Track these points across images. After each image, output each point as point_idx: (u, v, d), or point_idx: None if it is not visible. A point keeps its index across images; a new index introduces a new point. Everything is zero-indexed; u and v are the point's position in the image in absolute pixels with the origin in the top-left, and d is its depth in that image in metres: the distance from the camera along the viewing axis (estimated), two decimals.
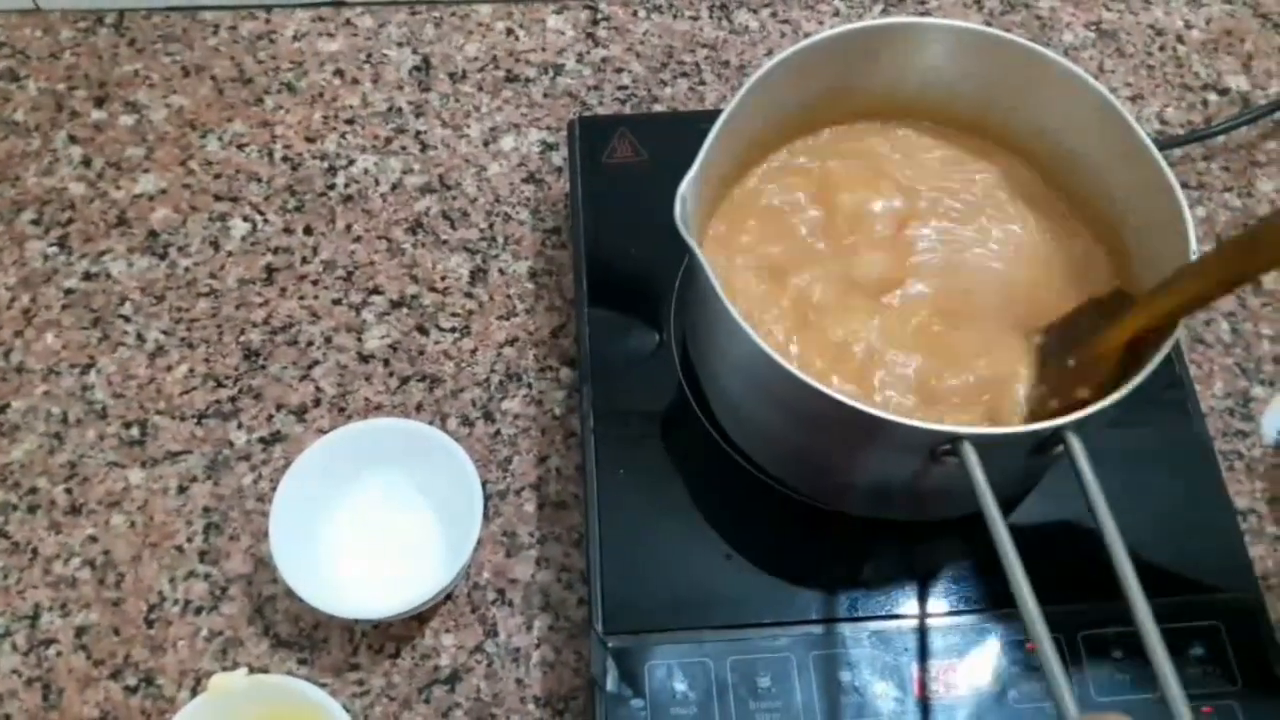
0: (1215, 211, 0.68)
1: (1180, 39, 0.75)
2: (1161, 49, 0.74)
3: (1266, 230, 0.42)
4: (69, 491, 0.58)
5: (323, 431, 0.58)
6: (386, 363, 0.62)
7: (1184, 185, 0.48)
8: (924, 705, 0.48)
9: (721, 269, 0.51)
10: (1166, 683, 0.37)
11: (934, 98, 0.55)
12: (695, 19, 0.75)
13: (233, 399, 0.60)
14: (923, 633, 0.49)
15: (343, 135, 0.69)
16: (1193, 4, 0.76)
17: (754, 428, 0.52)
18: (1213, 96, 0.73)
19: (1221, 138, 0.70)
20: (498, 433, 0.60)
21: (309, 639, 0.54)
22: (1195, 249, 0.45)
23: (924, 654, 0.49)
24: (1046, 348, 0.49)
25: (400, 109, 0.71)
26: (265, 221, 0.66)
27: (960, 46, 0.53)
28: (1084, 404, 0.42)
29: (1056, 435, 0.41)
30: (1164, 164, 0.47)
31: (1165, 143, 0.68)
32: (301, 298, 0.64)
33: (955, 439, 0.41)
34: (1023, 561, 0.39)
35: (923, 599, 0.50)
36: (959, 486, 0.41)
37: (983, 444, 0.41)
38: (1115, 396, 0.41)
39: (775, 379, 0.43)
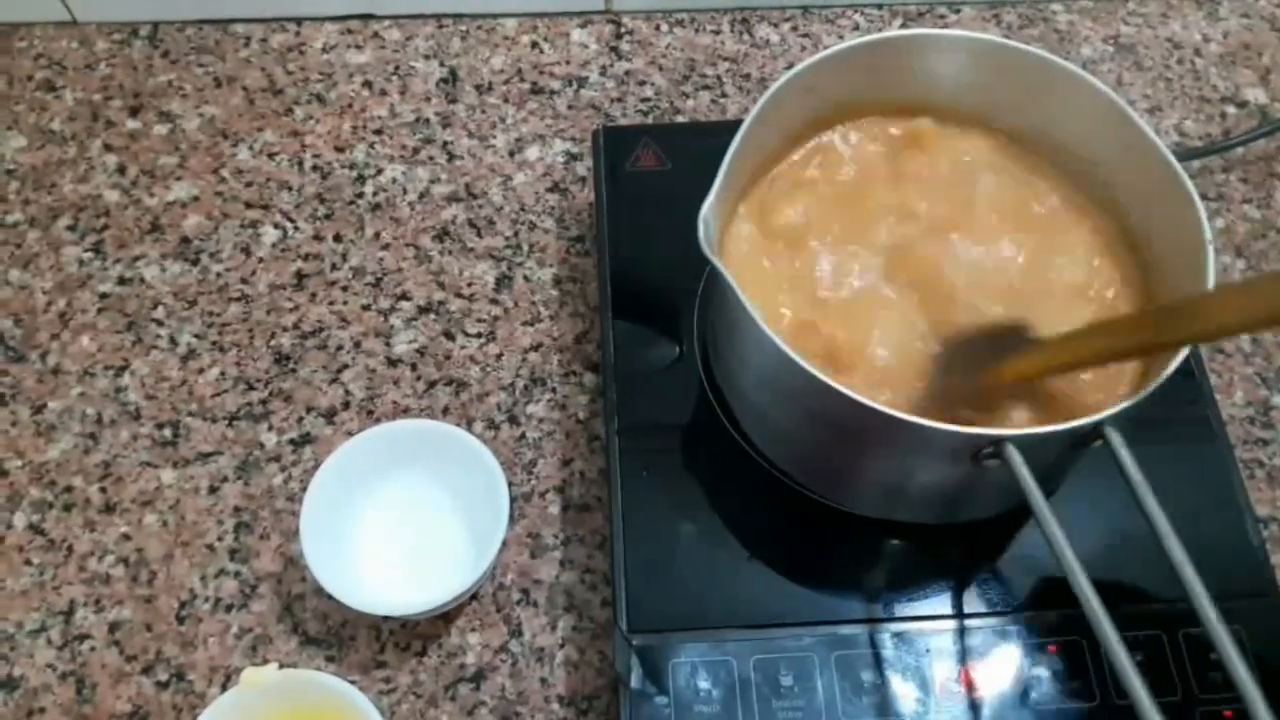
0: (1234, 223, 0.68)
1: (1198, 52, 0.76)
2: (1179, 62, 0.75)
3: (1190, 304, 0.43)
4: (103, 490, 0.59)
5: (351, 434, 0.59)
6: (414, 367, 0.63)
7: (1203, 197, 0.48)
8: (946, 705, 0.48)
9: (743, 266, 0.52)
10: (1244, 687, 0.39)
11: (951, 109, 0.56)
12: (717, 33, 0.76)
13: (263, 401, 0.61)
14: (953, 633, 0.50)
15: (371, 145, 0.71)
16: (1210, 18, 0.77)
17: (779, 434, 0.53)
18: (1231, 109, 0.73)
19: (1240, 150, 0.70)
20: (522, 436, 0.61)
21: (337, 636, 0.55)
22: (1213, 258, 0.45)
23: (946, 655, 0.49)
24: (945, 360, 0.49)
25: (427, 120, 0.72)
26: (295, 229, 0.67)
27: (976, 59, 0.53)
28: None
29: (1096, 430, 0.42)
30: (1184, 174, 0.48)
31: (1184, 155, 0.68)
32: (331, 303, 0.65)
33: (998, 441, 0.41)
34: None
35: (946, 600, 0.51)
36: (990, 489, 0.41)
37: (1025, 444, 0.41)
38: (1151, 387, 0.42)
39: (810, 392, 0.43)
